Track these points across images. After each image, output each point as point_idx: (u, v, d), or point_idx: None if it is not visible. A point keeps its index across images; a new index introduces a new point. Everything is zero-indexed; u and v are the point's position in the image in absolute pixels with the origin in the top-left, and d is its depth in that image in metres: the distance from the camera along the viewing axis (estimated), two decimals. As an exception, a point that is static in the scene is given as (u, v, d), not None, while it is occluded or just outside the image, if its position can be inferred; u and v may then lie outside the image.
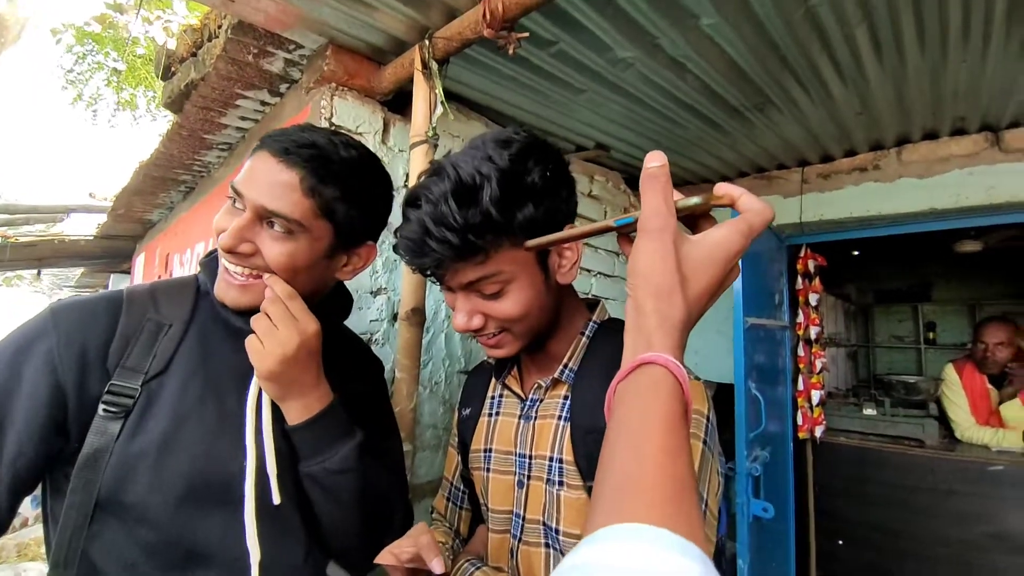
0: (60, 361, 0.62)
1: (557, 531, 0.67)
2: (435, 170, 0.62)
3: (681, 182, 2.58)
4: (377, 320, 1.38)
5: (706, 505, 0.59)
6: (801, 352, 2.76)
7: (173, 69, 1.69)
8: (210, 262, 0.75)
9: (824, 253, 2.79)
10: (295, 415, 0.69)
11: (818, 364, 2.76)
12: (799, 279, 2.76)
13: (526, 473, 0.73)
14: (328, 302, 0.80)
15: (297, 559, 0.69)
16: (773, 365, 2.26)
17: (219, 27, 1.41)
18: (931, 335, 4.80)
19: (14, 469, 0.60)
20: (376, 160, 0.77)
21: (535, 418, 0.74)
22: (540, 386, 0.75)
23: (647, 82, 1.51)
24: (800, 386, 2.69)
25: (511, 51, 1.07)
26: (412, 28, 1.24)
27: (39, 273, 5.28)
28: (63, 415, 0.62)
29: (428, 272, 0.64)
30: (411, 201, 0.62)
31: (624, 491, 0.32)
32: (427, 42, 1.18)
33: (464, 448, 0.85)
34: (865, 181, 2.20)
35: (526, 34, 1.07)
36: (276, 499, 0.66)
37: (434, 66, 1.18)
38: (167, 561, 0.62)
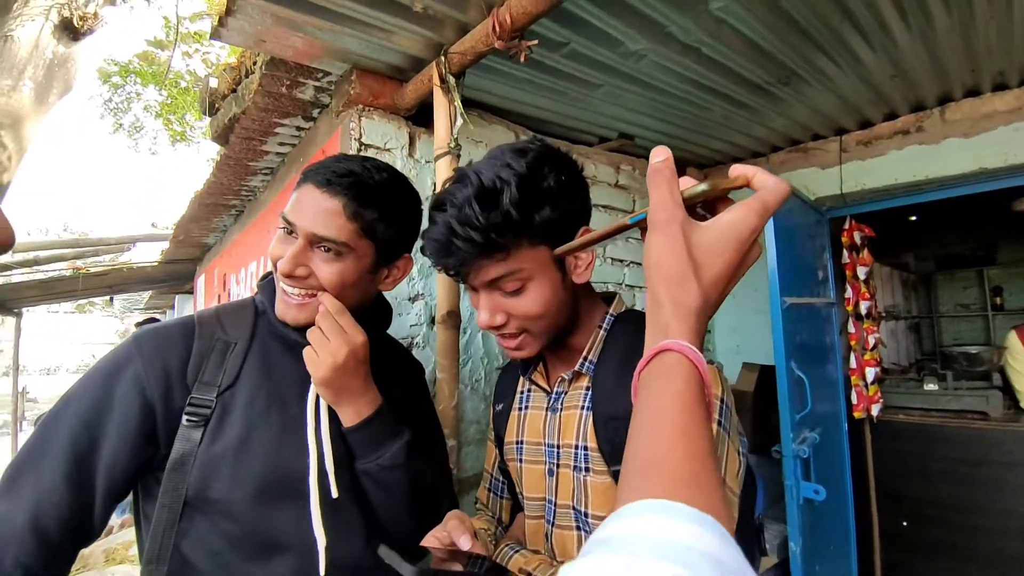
0: (147, 381, 0.71)
1: (586, 514, 0.71)
2: (459, 177, 0.68)
3: (711, 163, 2.54)
4: (416, 324, 1.46)
5: (724, 483, 0.62)
6: (852, 329, 2.66)
7: (217, 105, 1.82)
8: (266, 284, 0.84)
9: (873, 223, 2.66)
10: (349, 418, 0.77)
11: (871, 340, 2.65)
12: (845, 252, 2.65)
13: (555, 462, 0.77)
14: (372, 313, 0.88)
15: (359, 545, 0.77)
16: (819, 344, 2.19)
17: (254, 63, 1.53)
18: (998, 300, 4.46)
19: (109, 478, 0.69)
20: (405, 180, 0.85)
21: (561, 410, 0.79)
22: (563, 379, 0.79)
23: (663, 70, 1.52)
24: (853, 364, 2.59)
25: (523, 58, 1.11)
26: (428, 46, 1.30)
27: (111, 299, 5.76)
28: (152, 427, 0.71)
29: (453, 272, 0.70)
30: (437, 206, 0.69)
31: (644, 472, 0.34)
32: (443, 58, 1.24)
33: (499, 441, 0.91)
34: (909, 144, 2.10)
35: (535, 41, 1.10)
36: (334, 493, 0.74)
37: (451, 80, 1.24)
38: (249, 550, 0.70)
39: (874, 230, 2.70)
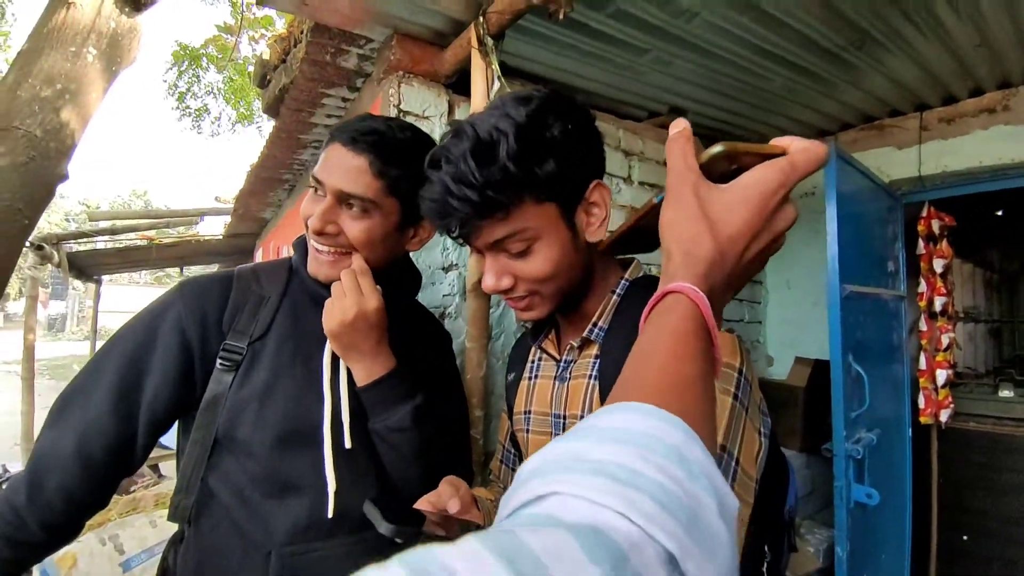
0: (187, 324, 0.75)
1: None
2: (455, 131, 0.63)
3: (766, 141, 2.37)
4: (449, 295, 1.46)
5: (738, 463, 0.56)
6: (923, 327, 2.43)
7: (268, 77, 1.88)
8: (300, 244, 0.87)
9: (955, 212, 2.41)
10: (360, 377, 0.79)
11: (944, 340, 2.41)
12: (920, 243, 2.42)
13: (561, 432, 0.74)
14: (398, 275, 0.88)
15: (371, 495, 0.77)
16: (884, 340, 2.02)
17: (302, 32, 1.55)
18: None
19: (152, 411, 0.74)
20: (427, 139, 0.83)
21: (569, 379, 0.75)
22: (572, 347, 0.75)
23: (717, 31, 1.41)
24: (922, 365, 2.38)
25: (561, 15, 1.06)
26: (468, 6, 1.27)
27: (182, 270, 6.17)
28: (190, 366, 0.75)
29: (455, 234, 0.65)
30: (432, 163, 0.63)
31: (624, 386, 0.32)
32: (481, 19, 1.20)
33: (510, 411, 0.88)
34: (995, 124, 1.87)
35: (577, -4, 1.05)
36: (348, 444, 0.75)
37: (489, 42, 1.20)
38: (268, 489, 0.74)
39: (956, 221, 2.44)
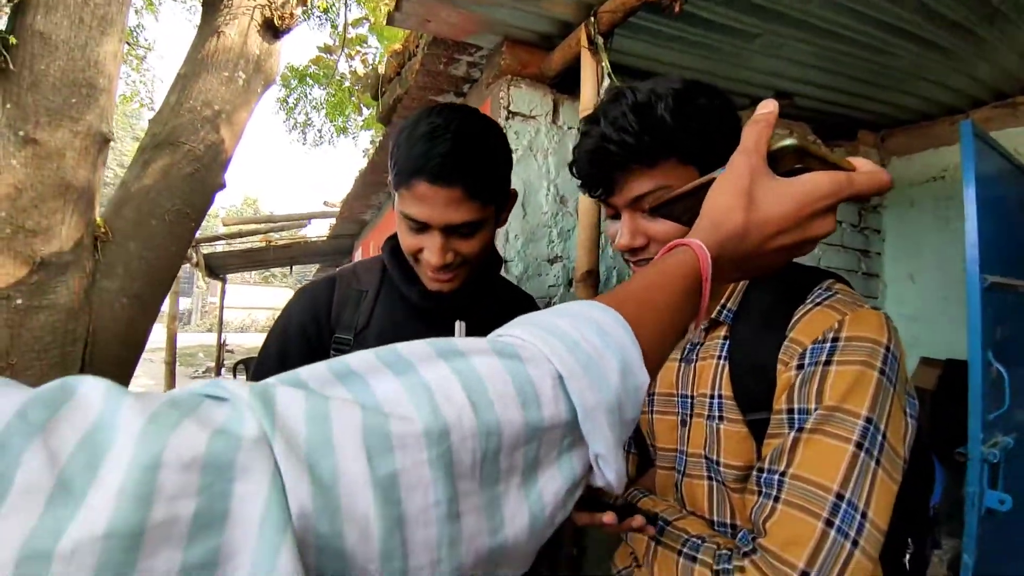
0: (305, 324, 0.88)
1: (717, 463, 0.69)
2: (614, 95, 0.68)
3: (893, 123, 2.19)
4: (554, 285, 1.52)
5: (885, 437, 0.56)
6: (1083, 325, 2.12)
7: (383, 89, 2.05)
8: (392, 254, 0.92)
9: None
10: None
11: (1113, 340, 2.09)
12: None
13: (688, 412, 0.76)
14: (488, 260, 0.95)
15: None
16: (1031, 337, 1.80)
17: (416, 47, 1.69)
18: None
19: None
20: (480, 117, 0.81)
21: (696, 360, 0.76)
22: (700, 328, 0.76)
23: (840, 10, 1.34)
24: (1081, 368, 2.08)
25: (677, 9, 1.08)
26: (577, 9, 1.32)
27: (291, 269, 6.82)
28: (315, 359, 0.88)
29: (598, 189, 0.70)
30: (592, 120, 0.69)
31: (607, 295, 0.37)
32: (592, 19, 1.25)
33: None
34: None
35: (692, -12, 1.06)
36: None
37: (599, 41, 1.25)
38: None
39: None
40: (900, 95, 1.88)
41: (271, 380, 0.25)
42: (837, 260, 2.23)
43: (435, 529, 0.23)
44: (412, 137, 0.76)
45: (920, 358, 2.27)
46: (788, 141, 0.43)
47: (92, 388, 0.20)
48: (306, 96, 7.22)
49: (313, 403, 0.22)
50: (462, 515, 0.24)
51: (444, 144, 0.75)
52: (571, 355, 0.29)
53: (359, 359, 0.27)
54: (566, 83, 1.54)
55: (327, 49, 7.47)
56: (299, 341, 0.88)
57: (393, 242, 0.93)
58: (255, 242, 5.40)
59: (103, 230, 1.54)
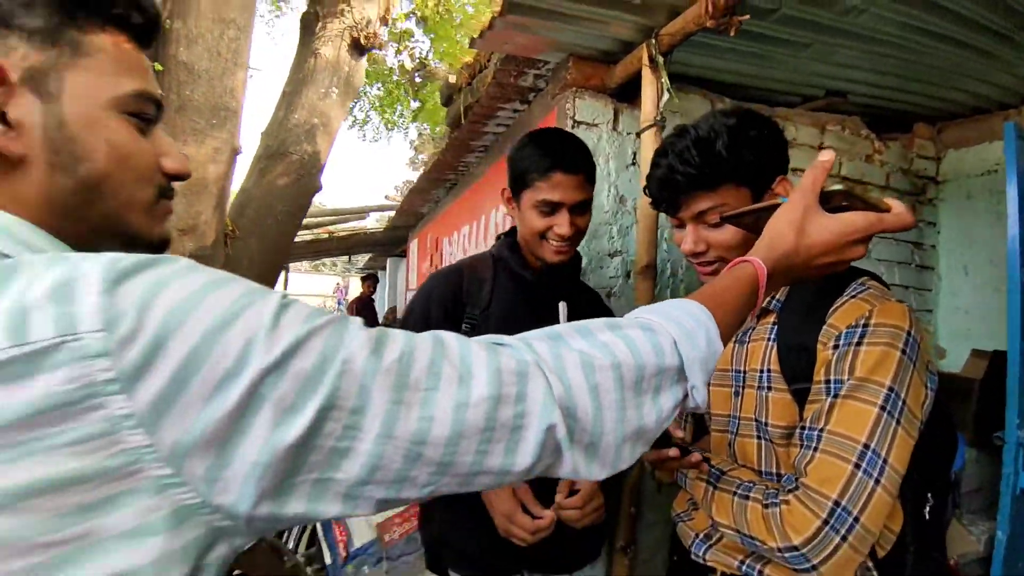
0: (444, 299, 1.11)
1: (766, 424, 0.84)
2: (680, 132, 0.87)
3: (946, 116, 2.22)
4: (615, 277, 1.70)
5: (904, 403, 0.70)
6: None
7: (454, 97, 2.27)
8: (509, 243, 1.19)
9: None
10: None
11: None
12: None
13: (741, 384, 0.91)
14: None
15: None
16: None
17: (488, 60, 1.89)
18: None
19: None
20: (572, 134, 1.18)
21: (748, 342, 0.91)
22: (753, 315, 0.93)
23: (886, 22, 1.44)
24: None
25: (732, 32, 1.22)
26: (639, 31, 1.47)
27: (350, 258, 7.25)
28: (453, 328, 1.11)
29: (668, 207, 0.88)
30: (661, 153, 0.88)
31: (694, 294, 0.52)
32: (653, 40, 1.40)
33: None
34: None
35: (747, 16, 1.20)
36: None
37: (659, 59, 1.40)
38: None
39: None
40: (947, 90, 1.92)
41: (526, 336, 0.44)
42: (888, 252, 2.27)
43: (614, 413, 0.43)
44: (540, 146, 1.09)
45: (971, 350, 2.30)
46: (838, 186, 0.58)
47: (449, 336, 0.41)
48: (365, 94, 7.57)
49: (551, 346, 0.43)
50: (626, 408, 0.43)
51: (571, 145, 1.11)
52: (680, 329, 0.46)
53: (562, 328, 0.46)
54: (626, 93, 1.70)
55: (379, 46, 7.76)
56: (439, 310, 1.11)
57: (510, 239, 1.20)
58: (318, 233, 5.80)
59: (231, 229, 1.84)
